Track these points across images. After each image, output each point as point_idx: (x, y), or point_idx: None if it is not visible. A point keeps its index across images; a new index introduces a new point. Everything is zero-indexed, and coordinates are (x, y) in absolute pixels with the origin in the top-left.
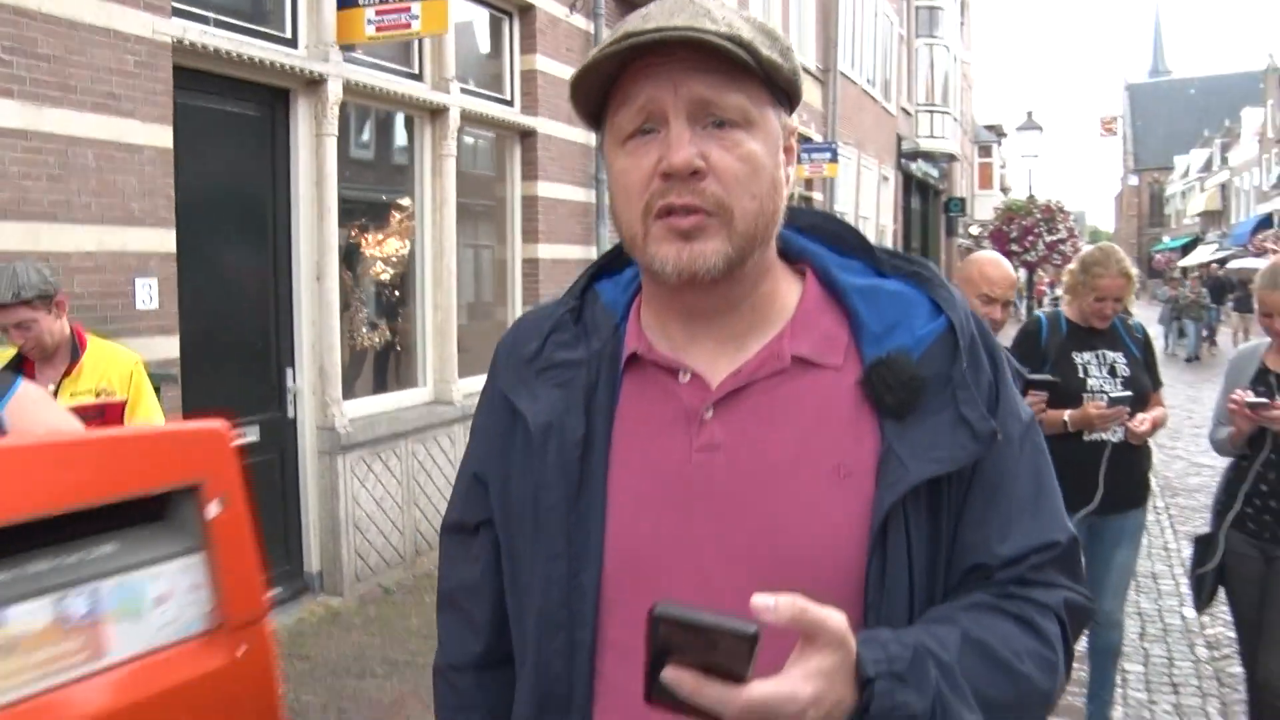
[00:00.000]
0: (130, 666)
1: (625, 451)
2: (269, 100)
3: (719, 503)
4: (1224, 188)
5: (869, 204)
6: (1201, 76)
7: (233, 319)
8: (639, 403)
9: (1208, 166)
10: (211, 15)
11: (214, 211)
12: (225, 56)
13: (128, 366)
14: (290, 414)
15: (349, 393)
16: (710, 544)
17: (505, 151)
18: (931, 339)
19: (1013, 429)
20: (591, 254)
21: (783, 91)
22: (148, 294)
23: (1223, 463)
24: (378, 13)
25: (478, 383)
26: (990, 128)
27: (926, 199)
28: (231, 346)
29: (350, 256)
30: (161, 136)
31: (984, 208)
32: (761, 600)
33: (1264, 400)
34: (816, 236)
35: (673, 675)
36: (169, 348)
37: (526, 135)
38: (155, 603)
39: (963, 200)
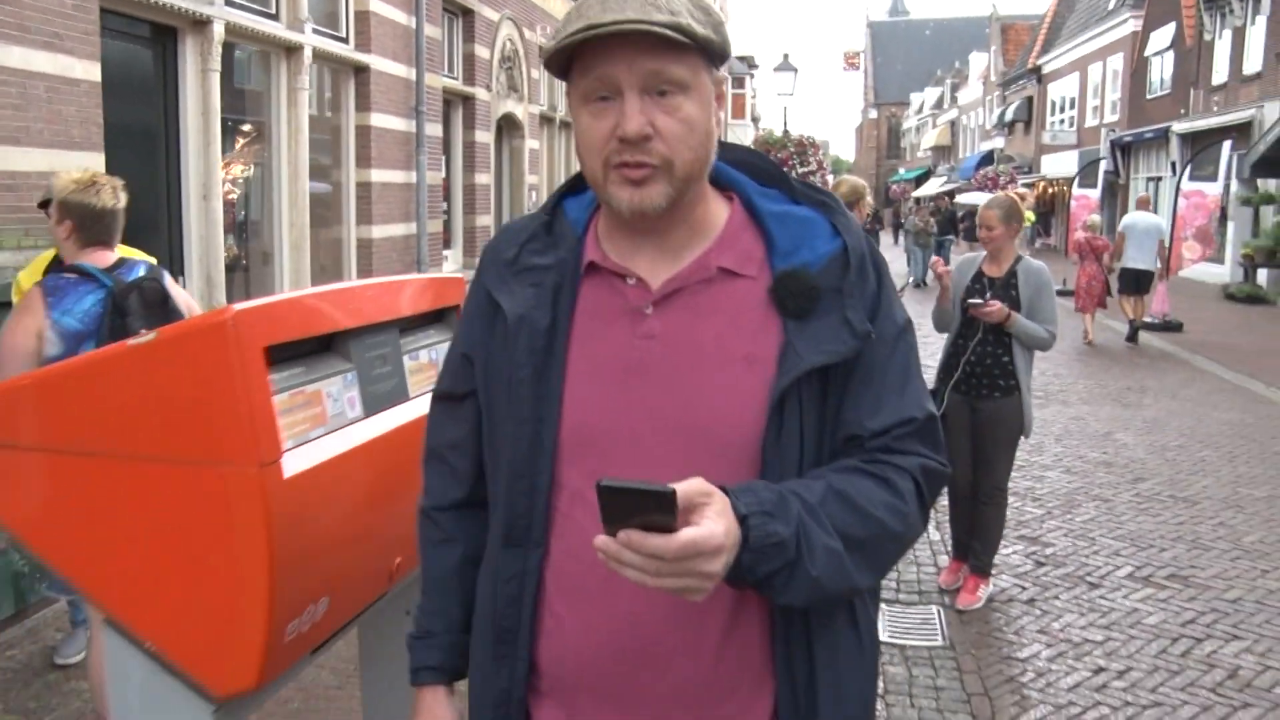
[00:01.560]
0: None
1: (581, 339)
2: (160, 39)
3: (654, 380)
4: (953, 125)
5: None
6: (936, 18)
7: (138, 233)
8: (594, 301)
9: (940, 104)
10: None
11: (123, 138)
12: None
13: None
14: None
15: (227, 299)
16: (645, 412)
17: (341, 85)
18: (829, 256)
19: (888, 330)
20: (412, 179)
21: (715, 55)
22: None
23: (934, 362)
24: None
25: None
26: (743, 59)
27: None
28: None
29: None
30: (93, 71)
31: (737, 137)
32: None
33: (978, 300)
34: (743, 169)
35: (622, 536)
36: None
37: (360, 70)
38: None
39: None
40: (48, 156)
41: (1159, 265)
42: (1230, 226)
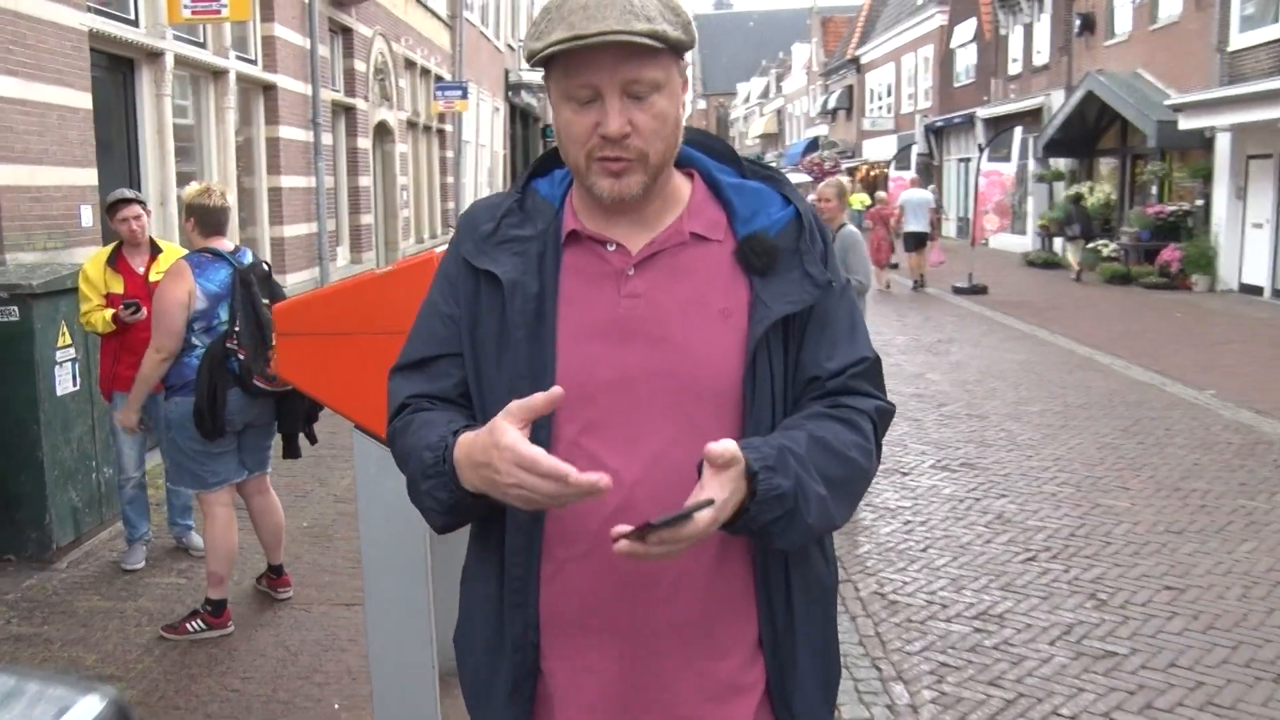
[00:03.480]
0: None
1: (569, 300)
2: (120, 69)
3: (640, 334)
4: (780, 113)
5: (485, 133)
6: (759, 10)
7: (111, 234)
8: (577, 266)
9: (766, 94)
10: (91, 4)
11: (100, 155)
12: (105, 37)
13: None
14: None
15: None
16: (634, 364)
17: (252, 102)
18: (784, 221)
19: (835, 283)
20: (311, 183)
21: (684, 48)
22: (88, 216)
23: None
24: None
25: None
26: None
27: (527, 126)
28: None
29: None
30: (86, 101)
31: None
32: (706, 469)
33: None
34: (698, 149)
35: (654, 538)
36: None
37: (268, 89)
38: None
39: None
40: (60, 173)
41: (930, 228)
42: (1030, 201)
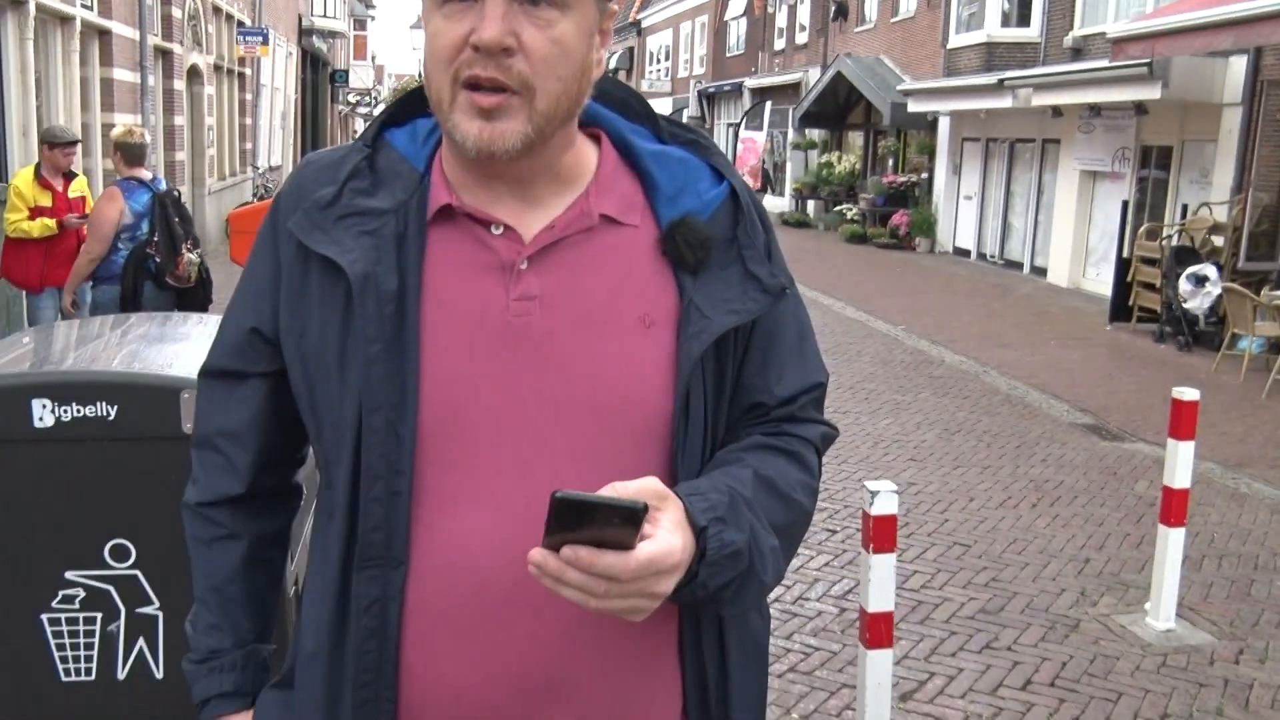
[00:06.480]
0: None
1: (438, 301)
2: None
3: (537, 350)
4: None
5: (280, 77)
6: None
7: None
8: (449, 254)
9: None
10: None
11: None
12: None
13: (85, 184)
14: None
15: None
16: (529, 389)
17: (88, 45)
18: (718, 203)
19: (788, 288)
20: (139, 121)
21: None
22: None
23: None
24: None
25: None
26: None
27: (318, 71)
28: None
29: None
30: None
31: (359, 77)
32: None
33: None
34: (606, 102)
35: (568, 553)
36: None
37: (104, 33)
38: None
39: (346, 72)
40: None
41: None
42: (789, 166)
